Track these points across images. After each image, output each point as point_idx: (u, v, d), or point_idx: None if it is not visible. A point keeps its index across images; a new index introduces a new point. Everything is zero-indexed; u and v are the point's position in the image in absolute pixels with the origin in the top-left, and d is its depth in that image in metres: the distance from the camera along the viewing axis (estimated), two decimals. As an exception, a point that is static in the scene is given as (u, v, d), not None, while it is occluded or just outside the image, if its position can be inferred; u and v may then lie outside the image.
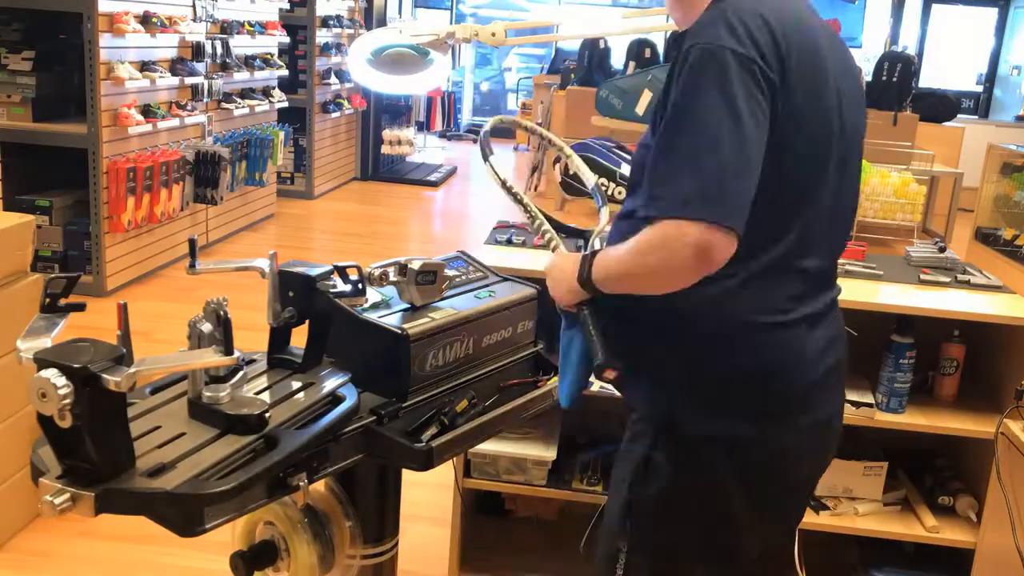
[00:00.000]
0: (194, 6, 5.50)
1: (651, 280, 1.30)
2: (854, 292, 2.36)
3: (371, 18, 8.86)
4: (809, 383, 1.43)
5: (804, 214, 1.38)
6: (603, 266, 1.37)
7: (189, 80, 5.40)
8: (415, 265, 1.64)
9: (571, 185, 3.82)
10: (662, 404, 1.43)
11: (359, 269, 1.57)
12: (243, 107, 6.09)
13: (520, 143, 11.35)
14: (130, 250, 5.00)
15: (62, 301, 1.35)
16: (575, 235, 1.96)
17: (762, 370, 1.39)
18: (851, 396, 2.39)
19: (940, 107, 7.90)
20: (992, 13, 10.78)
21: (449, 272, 1.72)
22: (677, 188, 1.24)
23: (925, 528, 2.44)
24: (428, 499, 2.90)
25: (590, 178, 1.80)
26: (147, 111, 4.99)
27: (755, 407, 1.41)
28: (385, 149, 8.73)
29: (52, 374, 1.11)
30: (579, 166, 1.83)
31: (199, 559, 2.59)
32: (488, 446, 2.37)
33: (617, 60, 6.71)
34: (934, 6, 10.81)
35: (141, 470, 1.21)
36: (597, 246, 1.52)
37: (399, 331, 1.54)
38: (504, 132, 12.27)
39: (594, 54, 6.73)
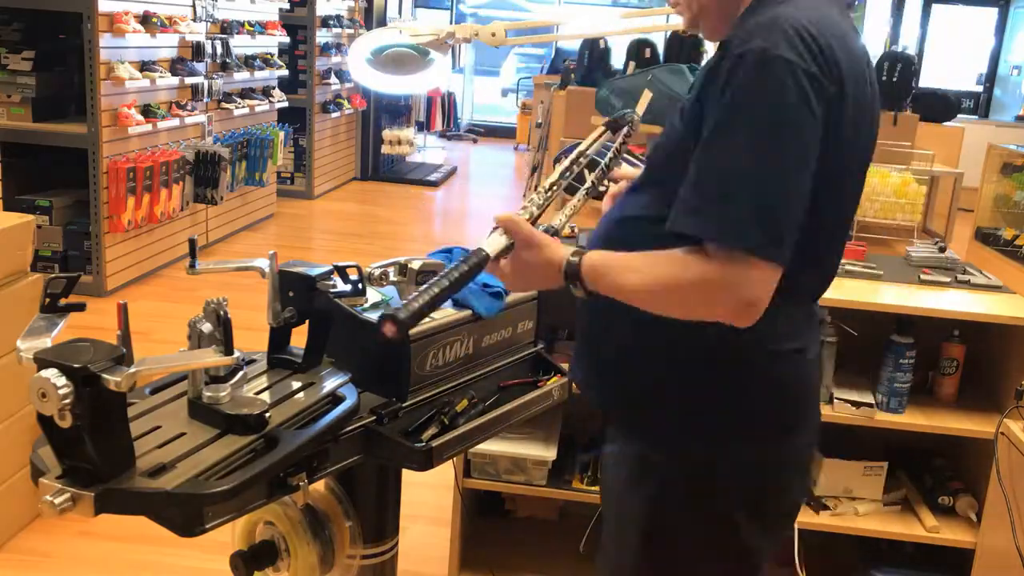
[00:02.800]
0: (194, 6, 5.50)
1: (676, 308, 1.20)
2: (854, 292, 2.36)
3: (371, 18, 8.86)
4: (815, 406, 1.41)
5: (833, 248, 1.34)
6: (609, 273, 1.24)
7: (189, 80, 5.40)
8: (415, 265, 1.64)
9: (572, 186, 3.81)
10: (674, 430, 1.33)
11: (359, 269, 1.57)
12: (243, 107, 6.09)
13: (520, 143, 11.35)
14: (130, 250, 5.00)
15: (62, 301, 1.35)
16: None
17: (779, 398, 1.34)
18: (851, 396, 2.40)
19: (940, 107, 7.89)
20: (992, 13, 10.78)
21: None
22: (734, 210, 1.12)
23: (925, 528, 2.44)
24: (428, 499, 2.90)
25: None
26: (147, 111, 4.99)
27: (768, 432, 1.34)
28: (385, 149, 8.73)
29: (52, 374, 1.11)
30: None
31: (199, 559, 2.59)
32: (488, 446, 2.37)
33: (617, 60, 6.70)
34: (934, 6, 10.81)
35: (141, 470, 1.21)
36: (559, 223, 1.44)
37: (399, 331, 1.54)
38: (504, 131, 12.29)
39: (594, 54, 6.71)
